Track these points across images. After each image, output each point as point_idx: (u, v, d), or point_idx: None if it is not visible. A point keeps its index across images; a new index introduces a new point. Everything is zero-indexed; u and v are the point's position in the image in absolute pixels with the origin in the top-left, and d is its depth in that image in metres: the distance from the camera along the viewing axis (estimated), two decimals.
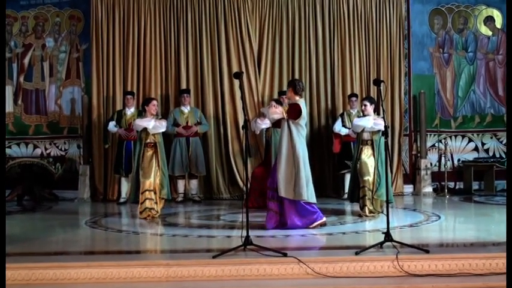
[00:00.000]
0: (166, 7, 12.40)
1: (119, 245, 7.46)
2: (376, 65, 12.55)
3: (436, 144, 12.92)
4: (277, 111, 7.91)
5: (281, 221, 7.89)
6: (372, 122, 8.91)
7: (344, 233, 7.71)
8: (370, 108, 9.08)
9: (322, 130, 12.37)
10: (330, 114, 12.42)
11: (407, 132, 12.84)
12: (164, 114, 11.36)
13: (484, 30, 13.28)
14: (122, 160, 11.47)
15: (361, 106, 9.34)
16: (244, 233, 6.38)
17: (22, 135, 13.23)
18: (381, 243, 6.33)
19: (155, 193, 9.26)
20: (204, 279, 5.76)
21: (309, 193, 7.82)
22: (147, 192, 9.21)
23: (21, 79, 13.24)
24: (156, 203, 9.27)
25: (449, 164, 12.59)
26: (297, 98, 7.97)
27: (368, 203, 8.89)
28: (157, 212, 9.29)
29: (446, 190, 12.09)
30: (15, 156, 12.94)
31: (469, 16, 13.28)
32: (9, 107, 13.11)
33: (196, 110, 11.87)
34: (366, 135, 9.07)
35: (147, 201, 9.21)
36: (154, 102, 9.71)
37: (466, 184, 12.75)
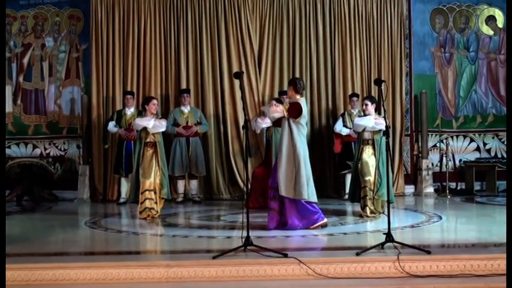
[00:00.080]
0: (166, 7, 12.38)
1: (119, 245, 7.44)
2: (377, 65, 12.52)
3: (438, 145, 12.90)
4: (278, 110, 7.90)
5: (281, 220, 7.88)
6: (373, 121, 8.89)
7: (345, 234, 7.69)
8: (371, 107, 9.06)
9: (323, 130, 12.35)
10: (331, 114, 12.39)
11: (409, 132, 12.82)
12: (164, 114, 11.34)
13: (486, 29, 13.25)
14: (121, 160, 11.46)
15: (362, 106, 9.31)
16: (245, 234, 6.37)
17: (21, 135, 13.21)
18: (382, 244, 6.31)
19: (155, 193, 9.25)
20: (204, 280, 5.74)
21: (309, 192, 7.80)
22: (147, 192, 9.20)
23: (21, 79, 13.23)
24: (156, 202, 9.26)
25: (450, 164, 12.55)
26: (298, 96, 7.95)
27: (369, 203, 8.88)
28: (157, 212, 9.28)
29: (447, 190, 12.08)
30: (15, 157, 12.92)
31: (471, 15, 13.25)
32: (8, 107, 13.09)
33: (196, 110, 11.85)
34: (367, 135, 9.05)
35: (147, 201, 9.20)
36: (155, 101, 9.69)
37: (467, 184, 12.72)
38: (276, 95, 11.75)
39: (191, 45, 12.30)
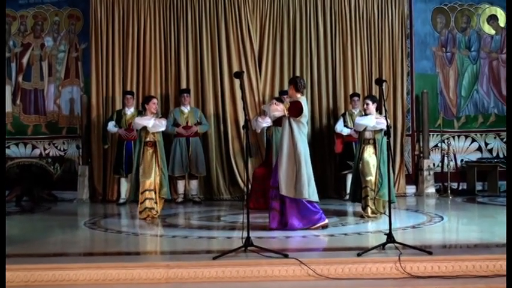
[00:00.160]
0: (166, 6, 12.37)
1: (118, 246, 7.41)
2: (378, 65, 12.50)
3: (439, 145, 12.87)
4: (278, 109, 7.89)
5: (283, 220, 7.85)
6: (374, 120, 8.87)
7: (346, 234, 7.66)
8: (372, 107, 9.03)
9: (324, 130, 12.33)
10: (332, 114, 12.37)
11: (410, 132, 12.80)
12: (164, 114, 11.29)
13: (488, 29, 13.22)
14: (122, 160, 11.43)
15: (363, 105, 9.29)
16: (245, 234, 6.34)
17: (21, 135, 13.19)
18: (383, 245, 6.29)
19: (155, 193, 9.22)
20: (204, 281, 5.73)
21: (310, 191, 7.78)
22: (147, 192, 9.19)
23: (20, 79, 13.21)
24: (156, 202, 9.23)
25: (452, 164, 12.51)
26: (299, 95, 7.94)
27: (370, 203, 8.86)
28: (157, 212, 9.25)
29: (449, 191, 12.03)
30: (14, 157, 12.89)
31: (472, 15, 13.22)
32: (7, 106, 13.06)
33: (196, 110, 11.82)
34: (368, 134, 9.03)
35: (147, 201, 9.19)
36: (155, 100, 9.67)
37: (469, 185, 12.68)
38: (277, 95, 11.72)
39: (191, 45, 12.28)
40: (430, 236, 7.61)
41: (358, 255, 5.98)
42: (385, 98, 6.90)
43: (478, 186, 12.65)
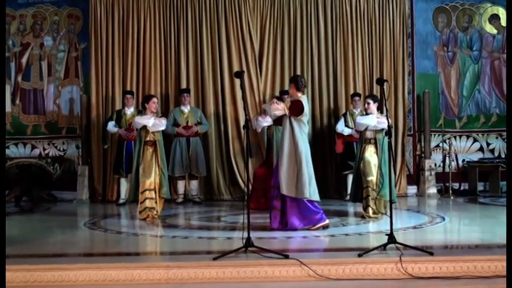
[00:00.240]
0: (166, 5, 12.35)
1: (118, 246, 7.40)
2: (379, 64, 12.47)
3: (441, 145, 12.84)
4: (279, 108, 7.88)
5: (283, 220, 7.84)
6: (375, 120, 8.86)
7: (347, 235, 7.65)
8: (373, 106, 9.01)
9: (325, 130, 12.31)
10: (333, 114, 12.36)
11: (411, 132, 12.78)
12: (164, 114, 11.24)
13: (489, 28, 13.18)
14: (122, 160, 11.41)
15: (364, 104, 9.27)
16: (245, 235, 6.32)
17: (20, 135, 13.17)
18: (385, 245, 6.29)
19: (155, 192, 9.21)
20: (204, 282, 5.72)
21: (311, 191, 7.77)
22: (147, 192, 9.19)
23: (19, 78, 13.19)
24: (156, 202, 9.21)
25: (453, 164, 12.48)
26: (299, 94, 7.93)
27: (371, 203, 8.85)
28: (157, 212, 9.23)
29: (450, 191, 12.01)
30: (13, 157, 12.87)
31: (474, 14, 13.19)
32: (7, 106, 13.03)
33: (196, 110, 11.80)
34: (369, 134, 9.01)
35: (147, 200, 9.18)
36: (155, 99, 9.66)
37: (470, 185, 12.66)
38: (277, 94, 11.67)
39: (191, 44, 12.26)
40: (431, 237, 7.62)
41: (359, 255, 5.96)
42: (386, 97, 6.89)
43: (480, 186, 12.63)
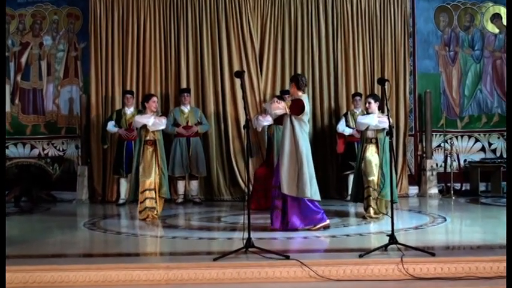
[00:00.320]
0: (166, 5, 12.33)
1: (118, 247, 7.40)
2: (380, 64, 12.44)
3: (442, 145, 12.81)
4: (280, 107, 7.86)
5: (285, 220, 7.83)
6: (376, 119, 8.85)
7: (348, 235, 7.64)
8: (374, 105, 8.99)
9: (326, 130, 12.30)
10: (334, 114, 12.34)
11: (413, 132, 12.75)
12: (164, 114, 11.19)
13: (491, 27, 13.15)
14: (122, 160, 11.39)
15: (366, 104, 9.24)
16: (246, 235, 6.31)
17: (19, 135, 13.14)
18: (386, 246, 6.27)
19: (155, 192, 9.20)
20: (204, 282, 5.72)
21: (312, 190, 7.76)
22: (147, 192, 9.19)
23: (19, 78, 13.17)
24: (156, 202, 9.21)
25: (455, 164, 12.47)
26: (300, 93, 7.93)
27: (372, 203, 8.83)
28: (157, 212, 9.23)
29: (452, 191, 12.00)
30: (13, 157, 12.83)
31: (476, 13, 13.16)
32: (6, 106, 12.98)
33: (196, 110, 11.77)
34: (370, 134, 9.00)
35: (148, 200, 9.18)
36: (155, 98, 9.65)
37: (472, 185, 12.62)
38: (278, 94, 11.64)
39: (191, 44, 12.24)
40: (432, 237, 7.61)
41: (360, 256, 5.95)
42: (387, 97, 6.86)
43: (482, 186, 12.58)
